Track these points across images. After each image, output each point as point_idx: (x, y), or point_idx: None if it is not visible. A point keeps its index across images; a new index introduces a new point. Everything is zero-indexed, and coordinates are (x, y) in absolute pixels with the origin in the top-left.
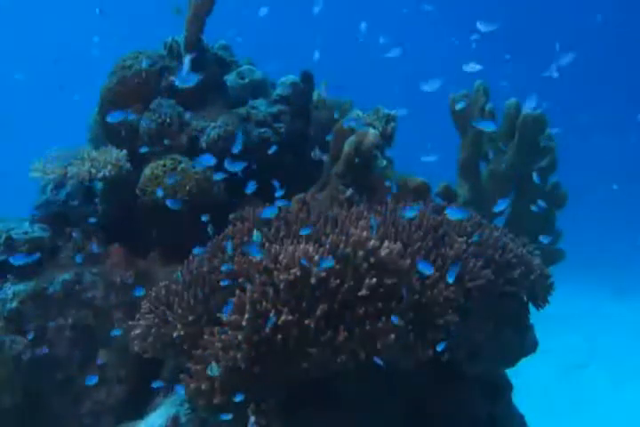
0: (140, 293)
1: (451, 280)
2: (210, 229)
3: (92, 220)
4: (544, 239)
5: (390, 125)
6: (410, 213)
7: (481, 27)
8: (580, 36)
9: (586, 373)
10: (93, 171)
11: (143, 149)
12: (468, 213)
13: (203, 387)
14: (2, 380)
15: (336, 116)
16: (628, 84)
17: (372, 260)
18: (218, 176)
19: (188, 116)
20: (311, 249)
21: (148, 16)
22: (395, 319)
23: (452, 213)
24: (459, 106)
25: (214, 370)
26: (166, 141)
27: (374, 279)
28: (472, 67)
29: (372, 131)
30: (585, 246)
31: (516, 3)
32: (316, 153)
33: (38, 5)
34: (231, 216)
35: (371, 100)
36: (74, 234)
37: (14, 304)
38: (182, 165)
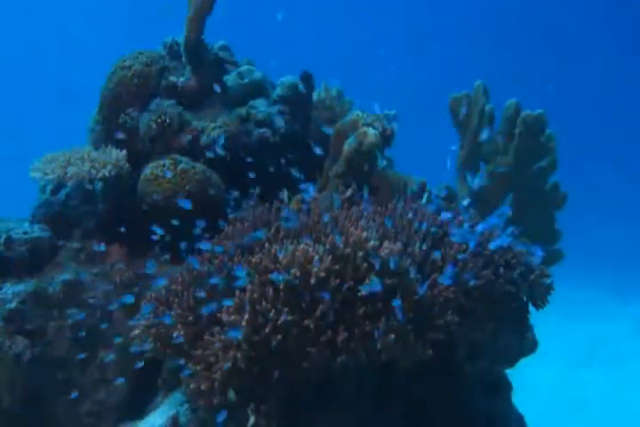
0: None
1: (446, 283)
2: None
3: (92, 220)
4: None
5: (390, 125)
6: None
7: None
8: None
9: (586, 373)
10: (93, 171)
11: (143, 150)
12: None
13: (203, 387)
14: (2, 380)
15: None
16: None
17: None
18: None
19: (188, 116)
20: (311, 249)
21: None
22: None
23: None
24: (462, 111)
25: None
26: (166, 142)
27: None
28: None
29: (371, 131)
30: (585, 246)
31: None
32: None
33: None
34: (231, 216)
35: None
36: (74, 234)
37: (14, 304)
38: (182, 166)
